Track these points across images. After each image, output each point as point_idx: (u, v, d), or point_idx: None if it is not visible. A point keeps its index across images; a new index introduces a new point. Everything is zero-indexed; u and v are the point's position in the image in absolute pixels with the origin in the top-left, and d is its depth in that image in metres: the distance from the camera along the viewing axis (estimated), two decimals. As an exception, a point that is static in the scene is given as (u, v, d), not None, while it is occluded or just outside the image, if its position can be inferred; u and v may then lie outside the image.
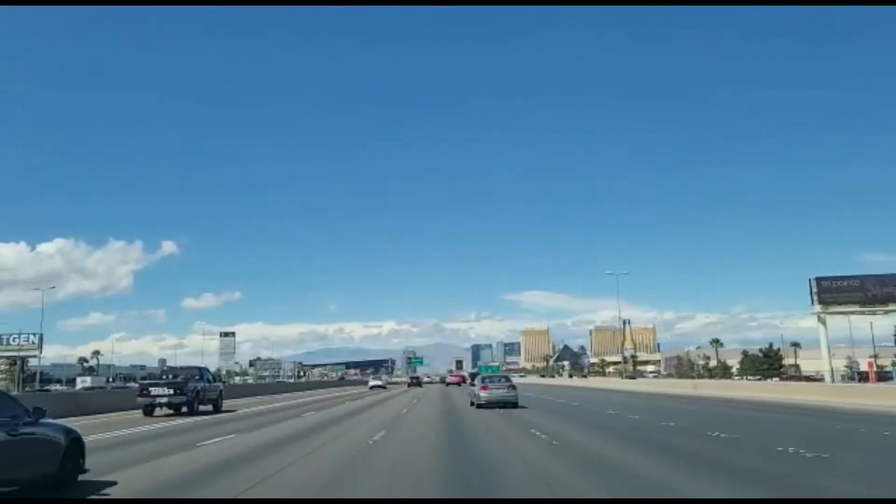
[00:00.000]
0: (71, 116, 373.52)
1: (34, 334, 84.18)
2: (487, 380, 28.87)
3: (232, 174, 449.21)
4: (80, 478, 8.61)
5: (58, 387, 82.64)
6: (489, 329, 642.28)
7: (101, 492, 8.23)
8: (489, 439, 14.64)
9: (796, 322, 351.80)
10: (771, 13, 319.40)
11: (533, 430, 16.17)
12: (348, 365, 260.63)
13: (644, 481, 8.90)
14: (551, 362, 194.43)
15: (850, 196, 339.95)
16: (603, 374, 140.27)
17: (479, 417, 21.71)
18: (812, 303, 65.18)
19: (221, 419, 22.86)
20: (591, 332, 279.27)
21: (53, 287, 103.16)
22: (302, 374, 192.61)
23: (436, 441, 14.51)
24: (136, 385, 30.77)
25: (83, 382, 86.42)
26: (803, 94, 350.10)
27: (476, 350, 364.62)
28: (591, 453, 11.95)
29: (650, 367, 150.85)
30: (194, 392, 24.49)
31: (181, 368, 30.40)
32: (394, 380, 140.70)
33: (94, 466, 9.25)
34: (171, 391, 23.66)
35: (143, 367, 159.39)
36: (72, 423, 10.45)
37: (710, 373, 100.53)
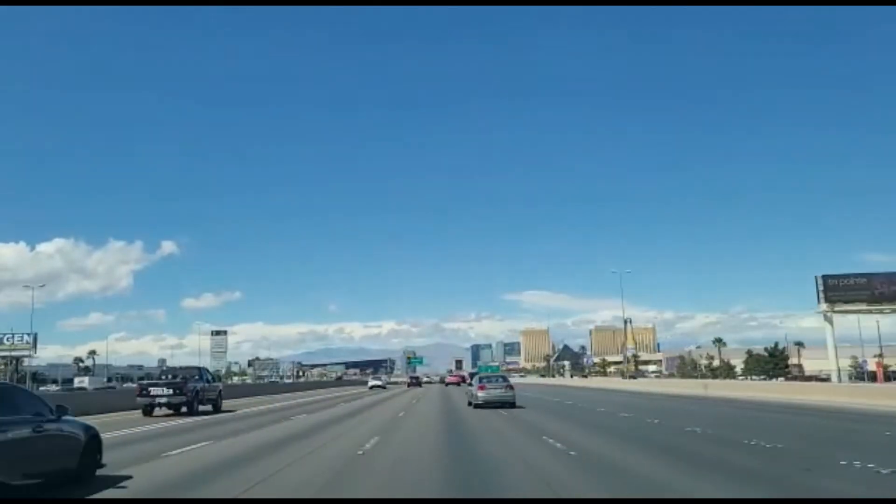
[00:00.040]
0: (71, 116, 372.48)
1: (28, 334, 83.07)
2: (485, 380, 28.98)
3: (232, 174, 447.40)
4: (97, 472, 9.06)
5: (52, 387, 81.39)
6: (489, 329, 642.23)
7: (119, 485, 8.69)
8: (489, 439, 14.49)
9: (796, 322, 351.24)
10: (771, 13, 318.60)
11: (532, 431, 15.53)
12: (348, 365, 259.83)
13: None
14: (551, 362, 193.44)
15: (850, 196, 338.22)
16: (604, 374, 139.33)
17: (478, 418, 21.05)
18: (818, 301, 64.32)
19: (221, 419, 22.71)
20: (591, 332, 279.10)
21: (43, 285, 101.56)
22: (301, 374, 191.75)
23: (435, 441, 13.98)
24: (136, 385, 30.64)
25: (81, 383, 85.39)
26: (803, 94, 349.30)
27: (476, 350, 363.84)
28: (613, 461, 10.99)
29: (652, 367, 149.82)
30: (194, 392, 24.42)
31: (180, 368, 30.20)
32: (393, 380, 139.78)
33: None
34: (171, 391, 23.62)
35: (140, 367, 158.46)
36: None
37: (714, 373, 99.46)
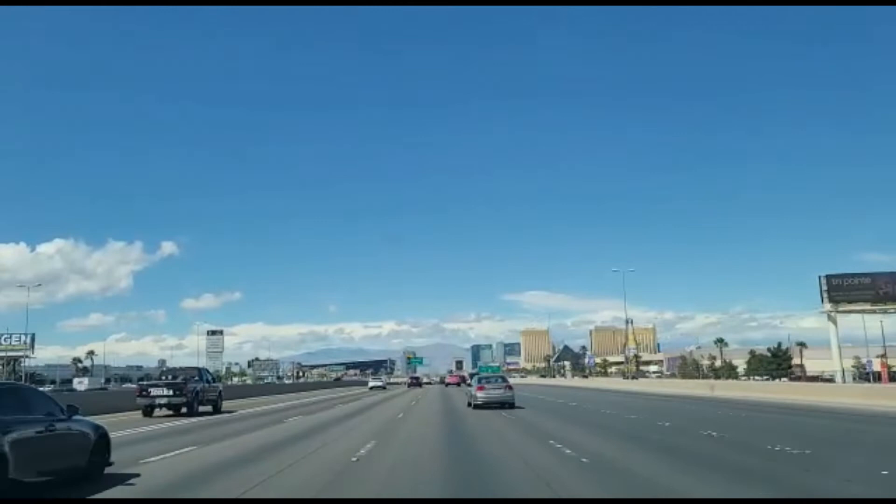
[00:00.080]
0: (71, 117, 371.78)
1: (25, 334, 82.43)
2: (484, 380, 29.05)
3: (232, 174, 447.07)
4: (106, 470, 9.24)
5: (49, 388, 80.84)
6: (489, 329, 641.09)
7: (127, 482, 8.93)
8: (492, 442, 14.17)
9: (796, 322, 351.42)
10: (771, 13, 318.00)
11: (539, 435, 14.84)
12: (348, 365, 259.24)
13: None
14: (552, 363, 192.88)
15: (849, 196, 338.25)
16: (605, 374, 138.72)
17: (480, 421, 20.55)
18: (822, 300, 63.55)
19: (218, 420, 22.45)
20: (591, 332, 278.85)
21: (39, 285, 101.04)
22: (301, 374, 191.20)
23: (434, 446, 13.30)
24: (135, 386, 30.90)
25: (80, 384, 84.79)
26: (803, 94, 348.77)
27: (476, 350, 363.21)
28: (624, 468, 10.38)
29: (653, 368, 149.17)
30: (194, 393, 24.35)
31: (180, 369, 29.99)
32: (393, 380, 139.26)
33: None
34: (171, 392, 23.56)
35: (139, 368, 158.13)
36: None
37: (716, 373, 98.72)
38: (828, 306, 63.11)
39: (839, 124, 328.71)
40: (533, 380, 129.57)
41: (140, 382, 28.84)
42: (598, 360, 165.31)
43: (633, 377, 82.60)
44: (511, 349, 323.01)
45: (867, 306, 64.54)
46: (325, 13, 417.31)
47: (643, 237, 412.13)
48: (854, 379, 68.72)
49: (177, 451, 12.64)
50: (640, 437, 14.89)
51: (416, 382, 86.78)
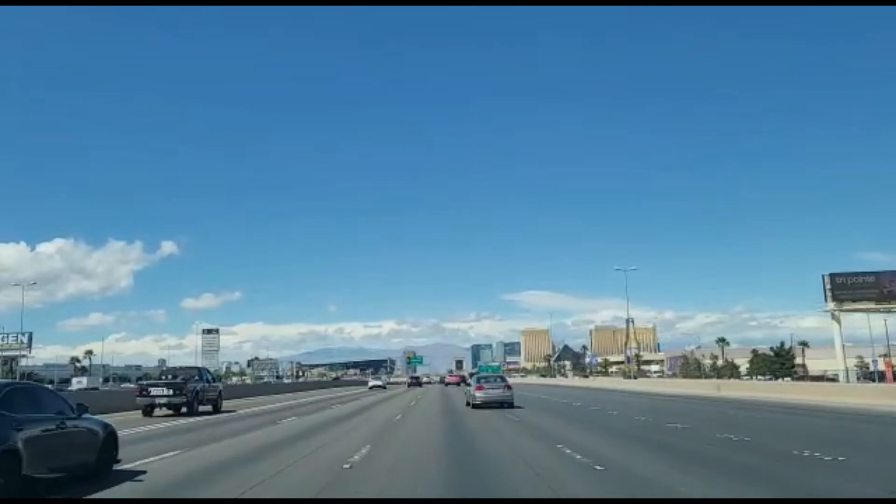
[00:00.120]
0: (71, 116, 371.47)
1: (22, 333, 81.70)
2: (483, 380, 29.07)
3: (232, 174, 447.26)
4: (114, 467, 9.49)
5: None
6: (489, 329, 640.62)
7: (136, 478, 9.17)
8: (489, 440, 14.16)
9: (796, 322, 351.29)
10: (772, 13, 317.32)
11: (546, 439, 14.12)
12: (348, 365, 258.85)
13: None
14: (552, 362, 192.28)
15: (849, 195, 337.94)
16: (606, 374, 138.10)
17: (479, 420, 20.09)
18: (825, 299, 62.96)
19: (221, 419, 22.45)
20: (591, 331, 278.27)
21: (34, 283, 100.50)
22: (301, 374, 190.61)
23: (434, 451, 12.58)
24: (135, 386, 31.34)
25: (79, 383, 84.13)
26: (803, 94, 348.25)
27: (476, 350, 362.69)
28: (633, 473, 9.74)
29: (654, 367, 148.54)
30: (194, 392, 24.30)
31: (180, 369, 29.86)
32: (393, 380, 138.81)
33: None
34: (171, 392, 23.54)
35: (138, 368, 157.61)
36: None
37: (718, 373, 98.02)
38: (831, 305, 62.49)
39: (839, 124, 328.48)
40: (533, 379, 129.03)
41: (140, 382, 28.76)
42: (598, 359, 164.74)
43: (635, 377, 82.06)
44: (511, 349, 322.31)
45: (871, 305, 63.93)
46: (325, 13, 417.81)
47: (643, 237, 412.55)
48: (858, 379, 68.02)
49: (177, 452, 12.43)
50: (654, 441, 13.91)
51: (416, 382, 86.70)
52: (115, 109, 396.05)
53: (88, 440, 8.89)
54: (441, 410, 27.29)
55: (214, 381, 29.25)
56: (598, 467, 9.74)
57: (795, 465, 10.08)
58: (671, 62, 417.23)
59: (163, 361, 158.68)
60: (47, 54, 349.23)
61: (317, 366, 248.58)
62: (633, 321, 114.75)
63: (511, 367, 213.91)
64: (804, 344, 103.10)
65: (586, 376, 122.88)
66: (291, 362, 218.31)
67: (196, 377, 25.82)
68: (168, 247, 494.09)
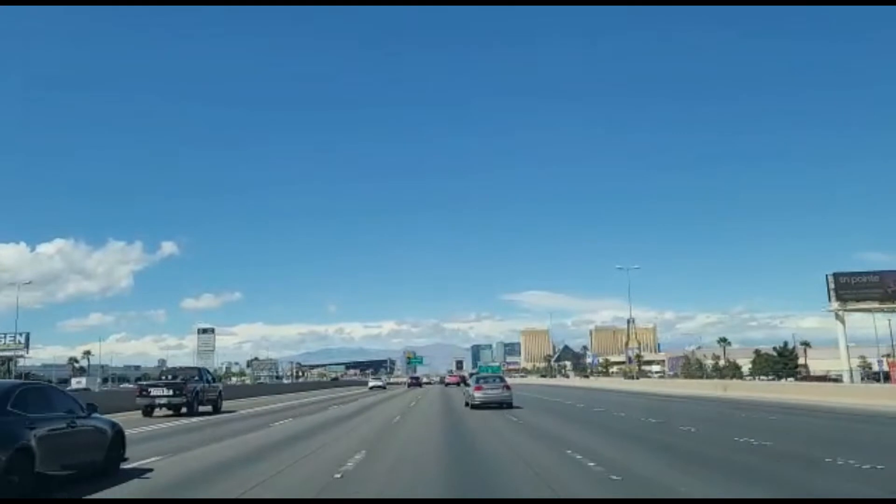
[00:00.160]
0: (71, 116, 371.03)
1: (20, 333, 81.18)
2: (482, 380, 29.15)
3: (232, 174, 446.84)
4: (123, 465, 9.75)
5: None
6: (489, 329, 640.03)
7: (143, 476, 9.37)
8: (488, 439, 14.24)
9: (796, 322, 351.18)
10: (773, 13, 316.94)
11: (555, 445, 13.46)
12: (348, 365, 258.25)
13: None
14: (552, 363, 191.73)
15: (849, 195, 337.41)
16: (606, 374, 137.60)
17: (479, 421, 19.94)
18: (829, 299, 62.54)
19: (221, 419, 22.48)
20: (591, 331, 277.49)
21: (30, 282, 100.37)
22: (301, 374, 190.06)
23: (433, 457, 12.00)
24: (134, 386, 31.07)
25: (78, 384, 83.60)
26: (803, 94, 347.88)
27: (476, 350, 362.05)
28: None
29: (655, 368, 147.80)
30: (193, 393, 24.31)
31: (180, 369, 29.96)
32: (393, 380, 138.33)
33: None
34: (171, 392, 23.55)
35: (137, 368, 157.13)
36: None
37: (720, 373, 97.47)
38: (835, 304, 62.04)
39: (839, 124, 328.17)
40: (533, 380, 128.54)
41: (139, 382, 28.70)
42: (599, 360, 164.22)
43: (636, 377, 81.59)
44: (511, 349, 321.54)
45: (875, 304, 63.46)
46: (325, 13, 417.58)
47: (643, 237, 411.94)
48: (862, 379, 67.53)
49: (177, 452, 12.36)
50: (673, 447, 12.73)
51: (416, 382, 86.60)
52: (115, 109, 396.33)
53: (97, 439, 9.15)
54: (441, 411, 27.23)
55: (214, 382, 29.18)
56: (615, 476, 8.92)
57: (830, 474, 9.18)
58: (671, 62, 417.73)
59: (163, 362, 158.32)
60: (47, 54, 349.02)
61: (317, 366, 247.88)
62: (634, 321, 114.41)
63: (511, 367, 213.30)
64: (806, 344, 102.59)
65: (587, 377, 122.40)
66: (291, 362, 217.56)
67: (196, 377, 25.86)
68: (168, 247, 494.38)
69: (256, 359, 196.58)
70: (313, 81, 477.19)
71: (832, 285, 62.42)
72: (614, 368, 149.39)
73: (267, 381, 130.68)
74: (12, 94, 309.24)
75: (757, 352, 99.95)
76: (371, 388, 72.79)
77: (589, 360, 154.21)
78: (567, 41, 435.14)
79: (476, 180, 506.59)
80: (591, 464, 10.11)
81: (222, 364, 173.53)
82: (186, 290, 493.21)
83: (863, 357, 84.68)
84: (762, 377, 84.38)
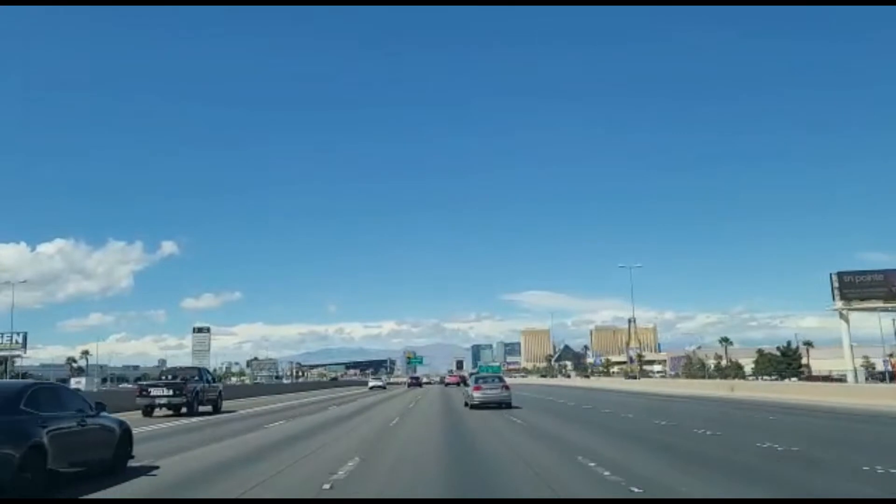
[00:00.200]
0: (70, 116, 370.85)
1: (17, 333, 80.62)
2: (481, 380, 29.12)
3: (232, 174, 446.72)
4: (129, 463, 9.84)
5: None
6: (489, 329, 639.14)
7: (149, 473, 9.54)
8: (488, 439, 14.29)
9: (796, 322, 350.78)
10: (773, 13, 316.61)
11: (565, 451, 12.75)
12: (348, 365, 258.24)
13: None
14: (553, 362, 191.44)
15: (849, 195, 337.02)
16: (607, 374, 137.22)
17: (479, 421, 19.78)
18: (833, 298, 62.04)
19: (221, 420, 22.50)
20: (591, 331, 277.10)
21: (24, 281, 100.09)
22: (301, 374, 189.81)
23: (433, 462, 11.37)
24: (135, 386, 30.83)
25: (78, 384, 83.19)
26: (803, 94, 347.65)
27: (476, 350, 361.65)
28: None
29: (656, 368, 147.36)
30: (193, 393, 24.26)
31: (180, 369, 29.80)
32: (393, 380, 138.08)
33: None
34: (171, 392, 23.52)
35: (136, 368, 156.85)
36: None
37: (723, 373, 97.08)
38: (839, 304, 61.55)
39: (839, 124, 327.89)
40: (534, 380, 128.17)
41: (139, 382, 28.61)
42: (602, 359, 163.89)
43: (638, 377, 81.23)
44: (511, 349, 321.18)
45: (879, 304, 62.88)
46: (325, 13, 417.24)
47: (643, 237, 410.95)
48: (866, 379, 67.01)
49: (177, 452, 12.32)
50: (691, 453, 11.63)
51: (416, 382, 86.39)
52: (115, 109, 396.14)
53: (106, 437, 9.31)
54: (441, 411, 27.08)
55: (214, 382, 29.12)
56: (635, 489, 7.98)
57: (876, 483, 8.35)
58: (671, 62, 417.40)
59: (163, 362, 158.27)
60: (47, 54, 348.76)
61: (317, 366, 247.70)
62: (635, 321, 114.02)
63: (511, 367, 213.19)
64: (808, 344, 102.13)
65: (587, 376, 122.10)
66: (291, 362, 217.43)
67: (196, 377, 25.79)
68: (168, 247, 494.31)
69: (256, 359, 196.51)
70: (313, 81, 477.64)
71: (836, 284, 61.91)
72: (615, 368, 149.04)
73: (267, 382, 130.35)
74: (12, 94, 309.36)
75: (760, 351, 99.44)
76: (371, 388, 72.43)
77: (591, 360, 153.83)
78: (567, 41, 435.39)
79: (476, 180, 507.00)
80: (592, 464, 9.95)
81: (222, 364, 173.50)
82: (186, 290, 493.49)
83: (866, 357, 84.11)
84: (765, 377, 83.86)
